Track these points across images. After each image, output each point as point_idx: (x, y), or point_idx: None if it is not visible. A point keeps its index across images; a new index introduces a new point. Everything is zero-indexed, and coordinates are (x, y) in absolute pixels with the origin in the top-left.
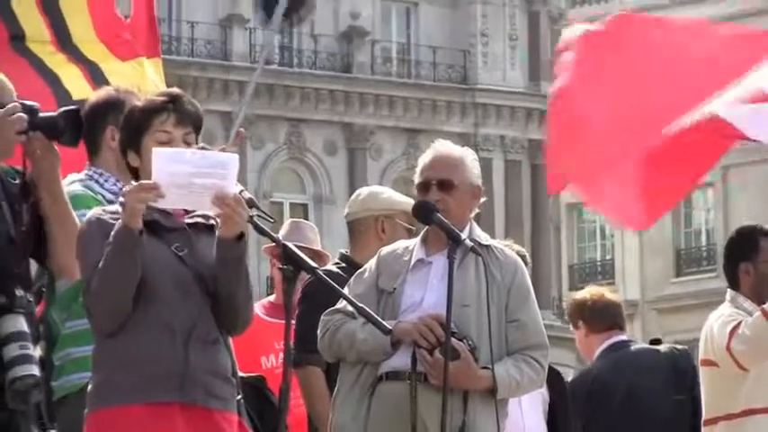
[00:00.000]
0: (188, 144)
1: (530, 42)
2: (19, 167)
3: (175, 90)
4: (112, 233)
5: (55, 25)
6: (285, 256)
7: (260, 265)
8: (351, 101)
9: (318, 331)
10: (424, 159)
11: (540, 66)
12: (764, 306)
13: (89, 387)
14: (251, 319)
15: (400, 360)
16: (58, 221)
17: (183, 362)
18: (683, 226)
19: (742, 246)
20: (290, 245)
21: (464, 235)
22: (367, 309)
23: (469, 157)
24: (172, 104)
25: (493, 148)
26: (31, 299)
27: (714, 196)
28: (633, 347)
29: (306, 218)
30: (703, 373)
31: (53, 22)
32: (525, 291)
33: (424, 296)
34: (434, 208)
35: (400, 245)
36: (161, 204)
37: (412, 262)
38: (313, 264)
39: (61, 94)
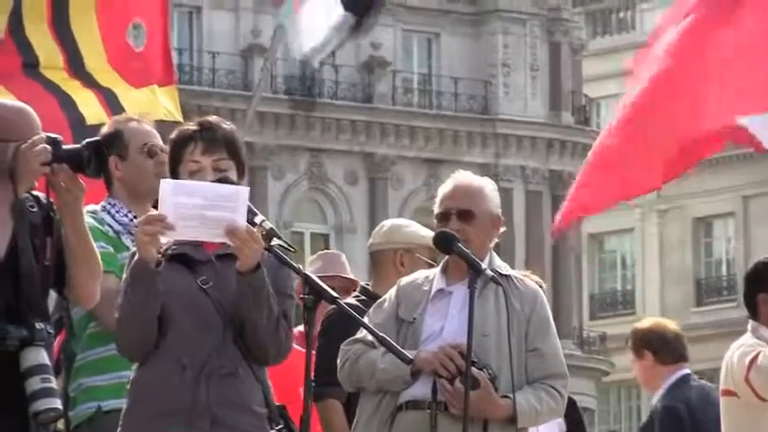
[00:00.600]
0: (220, 170)
1: (551, 73)
2: (36, 193)
3: (207, 117)
4: (129, 266)
5: (69, 52)
6: (307, 285)
7: None
8: (372, 131)
9: (338, 361)
10: (444, 189)
11: (561, 96)
12: None
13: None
14: (286, 349)
15: (420, 389)
16: (79, 253)
17: (191, 396)
18: (704, 256)
19: (760, 277)
20: (312, 275)
21: (484, 265)
22: (388, 338)
23: (489, 186)
24: (199, 133)
25: (514, 178)
26: (50, 331)
27: (735, 226)
28: (700, 381)
29: (327, 248)
30: (724, 404)
31: (67, 48)
32: (545, 320)
33: (444, 326)
34: (456, 238)
35: (420, 275)
36: (171, 236)
37: (432, 292)
38: (333, 293)
39: (75, 119)
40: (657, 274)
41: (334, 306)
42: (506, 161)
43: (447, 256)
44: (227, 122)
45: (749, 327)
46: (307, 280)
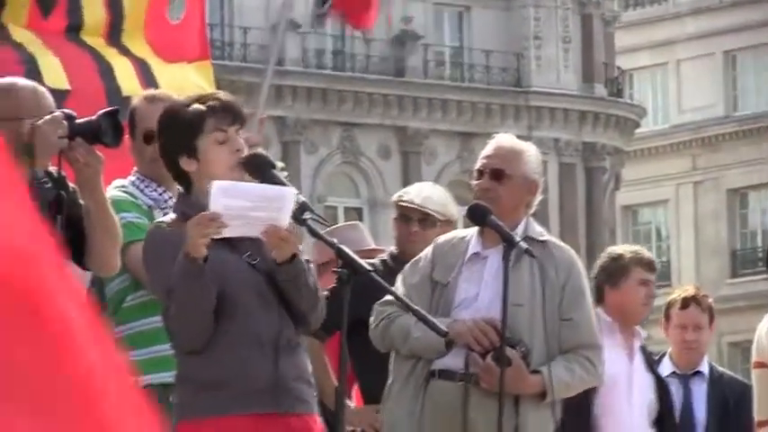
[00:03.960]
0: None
1: (583, 45)
2: (51, 169)
3: (218, 91)
4: (177, 261)
5: (113, 20)
6: (341, 259)
7: None
8: (404, 105)
9: (372, 320)
10: (485, 149)
11: (594, 68)
12: None
13: (175, 399)
14: (323, 317)
15: (453, 360)
16: (101, 224)
17: (274, 372)
18: (739, 227)
19: None
20: (345, 248)
21: (519, 230)
22: (422, 311)
23: (530, 151)
24: (224, 103)
25: (547, 151)
26: None
27: None
28: None
29: (360, 221)
30: (756, 375)
31: (113, 18)
32: (580, 290)
33: (478, 293)
34: (489, 210)
35: (456, 234)
36: (218, 236)
37: (467, 255)
38: (367, 266)
39: (112, 88)
40: (692, 246)
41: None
42: (539, 133)
43: None
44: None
45: None
46: (340, 253)
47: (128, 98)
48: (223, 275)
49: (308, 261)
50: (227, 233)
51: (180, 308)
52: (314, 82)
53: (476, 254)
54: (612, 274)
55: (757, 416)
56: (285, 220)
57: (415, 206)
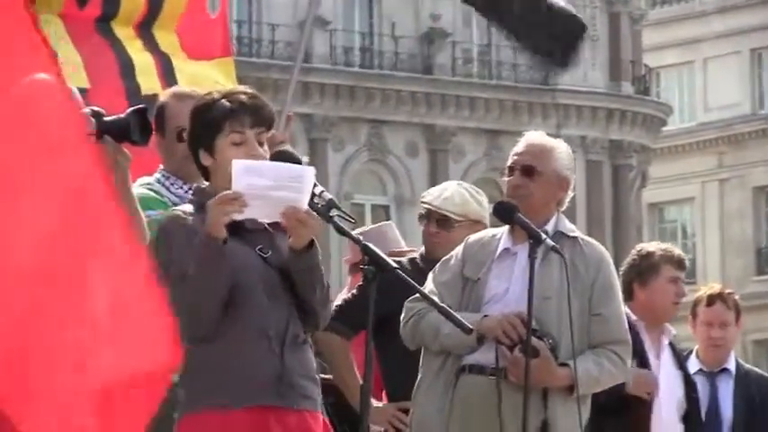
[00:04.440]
0: (260, 143)
1: (610, 43)
2: None
3: (245, 89)
4: (196, 243)
5: (150, 11)
6: (367, 256)
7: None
8: (432, 102)
9: (402, 317)
10: (516, 146)
11: (621, 66)
12: None
13: (179, 392)
14: (330, 316)
15: (484, 355)
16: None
17: (279, 366)
18: (764, 225)
19: None
20: (371, 245)
21: (550, 226)
22: (448, 308)
23: (561, 148)
24: (247, 105)
25: (574, 148)
26: None
27: None
28: None
29: (387, 219)
30: None
31: (150, 8)
32: (609, 285)
33: (508, 288)
34: (516, 208)
35: (487, 233)
36: (240, 216)
37: (498, 251)
38: (393, 263)
39: (132, 87)
40: (718, 244)
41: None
42: (567, 131)
43: None
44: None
45: None
46: (367, 251)
47: (147, 96)
48: (234, 267)
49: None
50: (247, 213)
51: (194, 291)
52: (342, 79)
53: (506, 250)
54: (642, 272)
55: None
56: (305, 200)
57: (434, 208)
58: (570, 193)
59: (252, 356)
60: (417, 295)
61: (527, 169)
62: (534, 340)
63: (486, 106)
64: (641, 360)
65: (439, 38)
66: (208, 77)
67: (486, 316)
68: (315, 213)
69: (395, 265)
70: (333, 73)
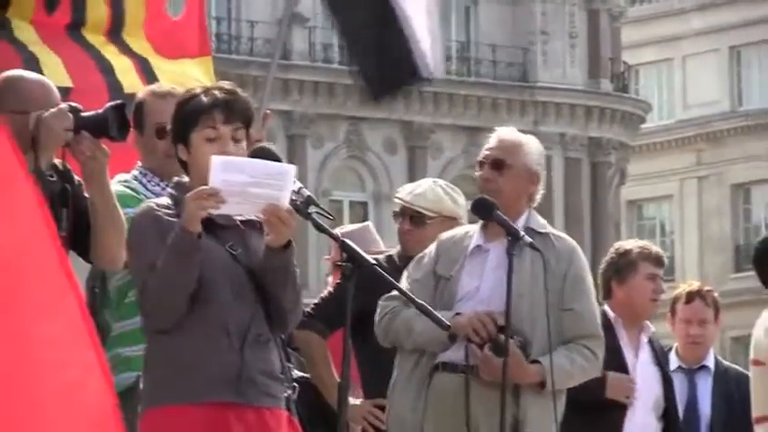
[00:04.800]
0: (237, 140)
1: (589, 40)
2: (56, 161)
3: (225, 85)
4: (171, 236)
5: (115, 17)
6: (345, 253)
7: (319, 263)
8: (410, 99)
9: (376, 316)
10: (488, 141)
11: (600, 63)
12: None
13: (142, 385)
14: (300, 317)
15: (456, 353)
16: (107, 219)
17: (239, 364)
18: (743, 222)
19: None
20: (349, 241)
21: (521, 222)
22: (426, 305)
23: (531, 143)
24: (220, 100)
25: (552, 145)
26: None
27: None
28: None
29: (365, 216)
30: (753, 372)
31: (114, 13)
32: (580, 278)
33: (480, 285)
34: (494, 205)
35: (460, 230)
36: (217, 212)
37: (470, 248)
38: (371, 260)
39: (114, 85)
40: (696, 241)
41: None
42: (545, 128)
43: None
44: (242, 90)
45: None
46: (345, 247)
47: (131, 95)
48: (203, 262)
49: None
50: (225, 210)
51: (162, 282)
52: (320, 76)
53: (478, 247)
54: (620, 270)
55: (754, 412)
56: (285, 199)
57: (407, 204)
58: (541, 189)
59: (210, 352)
60: (392, 293)
61: (497, 163)
62: (503, 339)
63: (464, 103)
64: (618, 358)
65: None
66: (188, 74)
67: (458, 314)
68: (295, 212)
69: (373, 261)
70: (312, 70)
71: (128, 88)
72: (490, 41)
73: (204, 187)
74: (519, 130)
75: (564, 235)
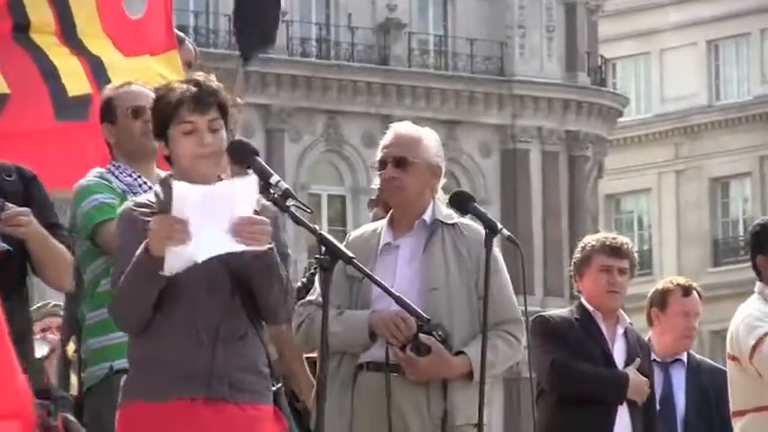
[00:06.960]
0: (214, 130)
1: (567, 34)
2: (10, 164)
3: (199, 76)
4: (137, 254)
5: (62, 17)
6: (323, 246)
7: (299, 255)
8: (388, 93)
9: (293, 321)
10: (384, 138)
11: (578, 57)
12: None
13: (123, 379)
14: (293, 309)
15: (378, 351)
16: (45, 259)
17: (209, 361)
18: (721, 216)
19: (758, 239)
20: (327, 235)
21: (428, 215)
22: (404, 298)
23: (429, 136)
24: (191, 93)
25: (530, 139)
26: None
27: (751, 186)
28: None
29: (343, 210)
30: (730, 367)
31: (60, 13)
32: (492, 265)
33: (393, 283)
34: (472, 198)
35: (368, 228)
36: (201, 259)
37: (380, 246)
38: (350, 254)
39: (56, 90)
40: (674, 235)
41: None
42: (523, 122)
43: (392, 209)
44: (215, 80)
45: (756, 289)
46: (323, 240)
47: (76, 97)
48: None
49: (286, 254)
50: (202, 254)
51: (122, 294)
52: (298, 70)
53: (387, 244)
54: (578, 264)
55: (733, 406)
56: (245, 212)
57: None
58: (443, 180)
59: (180, 351)
60: (307, 299)
61: (399, 161)
62: (424, 336)
63: (442, 97)
64: (602, 350)
65: (395, 28)
66: (151, 71)
67: (374, 311)
68: (264, 219)
69: (351, 255)
70: (289, 63)
71: (72, 91)
72: (468, 35)
73: (169, 216)
74: (497, 125)
75: (472, 223)
